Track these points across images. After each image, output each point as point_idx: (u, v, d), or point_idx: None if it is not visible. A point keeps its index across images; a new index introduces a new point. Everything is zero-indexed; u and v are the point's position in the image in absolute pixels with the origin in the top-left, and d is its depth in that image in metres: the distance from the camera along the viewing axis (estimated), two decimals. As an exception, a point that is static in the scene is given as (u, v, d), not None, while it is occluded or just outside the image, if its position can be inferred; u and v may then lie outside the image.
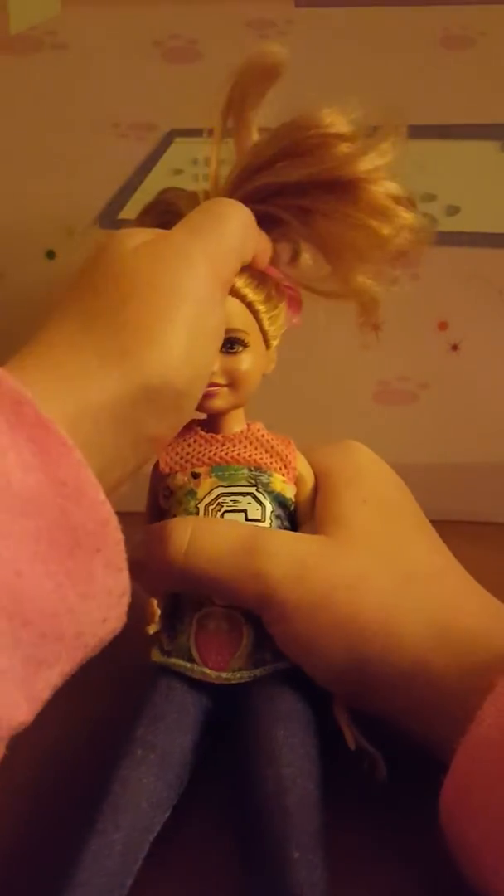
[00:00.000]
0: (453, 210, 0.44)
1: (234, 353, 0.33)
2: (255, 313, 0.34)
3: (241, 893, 0.26)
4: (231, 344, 0.33)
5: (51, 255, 0.49)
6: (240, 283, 0.33)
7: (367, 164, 0.32)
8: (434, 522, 0.56)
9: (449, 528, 0.56)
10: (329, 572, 0.29)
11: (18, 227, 0.48)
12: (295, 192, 0.32)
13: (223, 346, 0.32)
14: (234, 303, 0.33)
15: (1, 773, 0.23)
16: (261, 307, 0.34)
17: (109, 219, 0.48)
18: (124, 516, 0.22)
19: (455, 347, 0.50)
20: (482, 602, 0.31)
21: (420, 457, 0.54)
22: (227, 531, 0.30)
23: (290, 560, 0.29)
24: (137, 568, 0.23)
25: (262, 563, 0.29)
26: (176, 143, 0.46)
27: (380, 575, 0.29)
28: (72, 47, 0.45)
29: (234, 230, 0.29)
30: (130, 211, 0.47)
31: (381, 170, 0.32)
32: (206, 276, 0.27)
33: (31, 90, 0.46)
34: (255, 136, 0.36)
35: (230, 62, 0.45)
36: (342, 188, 0.32)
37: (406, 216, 0.33)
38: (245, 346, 0.34)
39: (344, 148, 0.32)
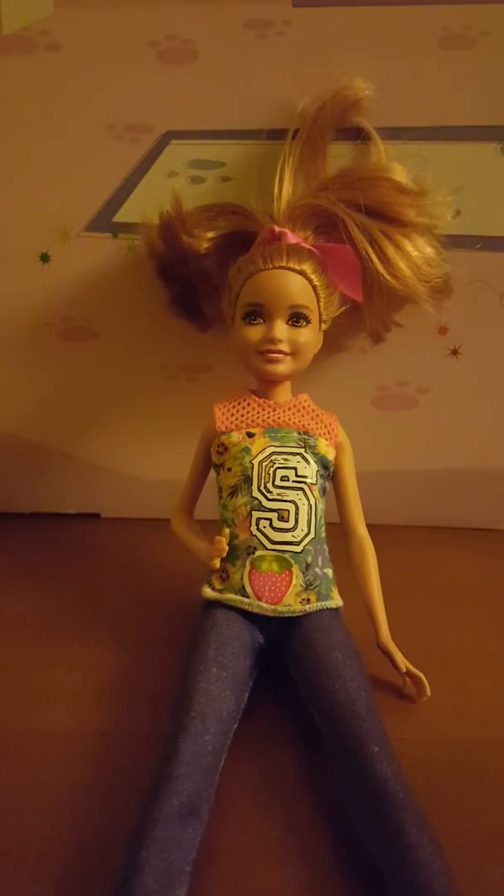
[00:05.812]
0: (453, 213, 0.44)
1: (298, 326, 0.38)
2: (316, 294, 0.38)
3: (333, 786, 0.31)
4: (296, 318, 0.38)
5: (45, 258, 0.48)
6: (307, 267, 0.38)
7: (422, 218, 0.40)
8: (433, 529, 0.56)
9: (448, 535, 0.56)
10: None
11: (12, 230, 0.48)
12: (356, 209, 0.40)
13: (289, 318, 0.38)
14: (302, 281, 0.38)
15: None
16: (322, 291, 0.39)
17: (104, 222, 0.47)
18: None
19: (455, 352, 0.50)
20: None
21: (419, 462, 0.53)
22: None
23: None
24: None
25: None
26: (172, 146, 0.46)
27: None
28: (65, 48, 0.44)
29: None
30: (125, 214, 0.47)
31: (429, 228, 0.41)
32: None
33: (24, 91, 0.45)
34: (328, 161, 0.43)
35: (227, 63, 0.45)
36: (393, 223, 0.40)
37: (430, 272, 0.41)
38: (308, 321, 0.38)
39: (406, 199, 0.40)
